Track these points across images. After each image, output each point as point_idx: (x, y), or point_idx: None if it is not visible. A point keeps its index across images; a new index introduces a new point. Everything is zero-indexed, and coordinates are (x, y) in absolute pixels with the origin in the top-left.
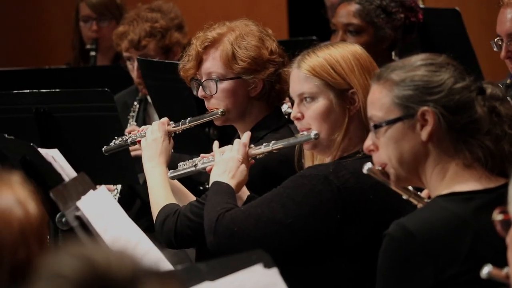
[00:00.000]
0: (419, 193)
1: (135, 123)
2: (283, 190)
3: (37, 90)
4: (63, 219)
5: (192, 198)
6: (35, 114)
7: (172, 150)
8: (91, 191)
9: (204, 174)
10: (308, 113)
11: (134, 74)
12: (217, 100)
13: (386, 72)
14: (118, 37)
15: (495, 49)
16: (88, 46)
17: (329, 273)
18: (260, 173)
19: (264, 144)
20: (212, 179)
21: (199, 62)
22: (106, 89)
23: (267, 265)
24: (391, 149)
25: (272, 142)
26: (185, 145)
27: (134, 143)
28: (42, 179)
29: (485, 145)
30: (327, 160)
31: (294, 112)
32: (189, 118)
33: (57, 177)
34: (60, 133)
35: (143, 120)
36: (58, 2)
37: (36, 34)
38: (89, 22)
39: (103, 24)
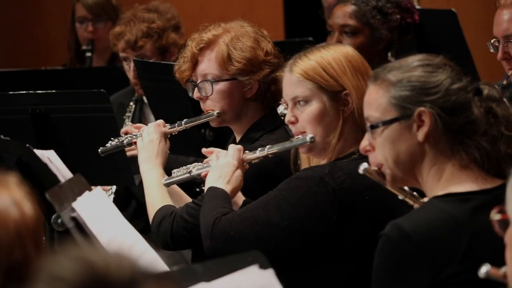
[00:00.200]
0: (414, 193)
1: (131, 124)
2: (279, 192)
3: (33, 91)
4: (59, 220)
5: (188, 199)
6: (31, 115)
7: (168, 152)
8: (87, 192)
9: (198, 178)
10: (302, 116)
11: (130, 74)
12: (212, 102)
13: (383, 72)
14: (114, 37)
15: (491, 51)
16: (84, 47)
17: (325, 274)
18: (256, 176)
19: (259, 149)
20: (207, 185)
21: (195, 63)
22: (102, 90)
23: (263, 266)
24: (388, 150)
25: (267, 146)
26: (181, 147)
27: (130, 144)
28: (38, 180)
29: (482, 146)
30: (323, 162)
31: (288, 116)
32: (185, 120)
33: (53, 178)
34: (56, 134)
35: (139, 120)
36: (56, 3)
37: (34, 35)
38: (85, 23)
39: (99, 25)
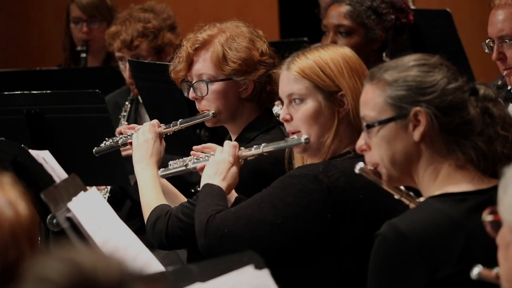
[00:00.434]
0: (410, 193)
1: (126, 123)
2: (273, 190)
3: (28, 92)
4: (54, 221)
5: (183, 199)
6: (26, 115)
7: (164, 152)
8: (82, 192)
9: (195, 175)
10: (297, 115)
11: (126, 74)
12: (208, 102)
13: (379, 72)
14: (110, 37)
15: (486, 51)
16: (79, 48)
17: (320, 273)
18: (252, 176)
19: (254, 146)
20: (203, 181)
21: (190, 63)
22: (97, 90)
23: (258, 266)
24: (384, 149)
25: (263, 144)
26: (176, 147)
27: (125, 144)
28: (33, 180)
29: (478, 146)
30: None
31: (283, 114)
32: (180, 120)
33: (48, 178)
34: (51, 134)
35: (135, 120)
36: (50, 4)
37: (28, 35)
38: (79, 23)
39: (94, 26)
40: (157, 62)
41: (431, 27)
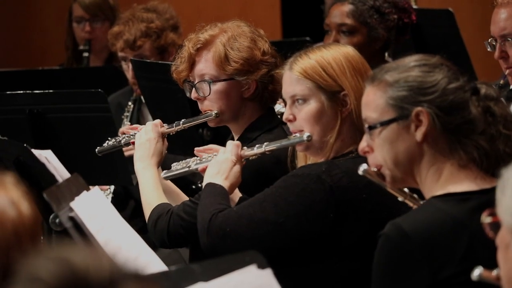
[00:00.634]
0: (414, 195)
1: (129, 123)
2: (276, 189)
3: (30, 91)
4: (57, 220)
5: (185, 197)
6: (29, 115)
7: (166, 151)
8: (85, 192)
9: (197, 175)
10: (300, 115)
11: (129, 74)
12: (210, 102)
13: (380, 73)
14: (113, 37)
15: (489, 50)
16: (81, 47)
17: (323, 273)
18: (255, 175)
19: (257, 145)
20: (205, 181)
21: (192, 64)
22: (99, 90)
23: (261, 266)
24: (386, 150)
25: (265, 143)
26: (179, 146)
27: (127, 144)
28: (36, 180)
29: (480, 145)
30: (320, 161)
31: (286, 114)
32: (182, 120)
33: (51, 178)
34: (54, 134)
35: (137, 120)
36: (52, 4)
37: (30, 35)
38: (82, 23)
39: (96, 25)
40: (160, 62)
41: (433, 26)
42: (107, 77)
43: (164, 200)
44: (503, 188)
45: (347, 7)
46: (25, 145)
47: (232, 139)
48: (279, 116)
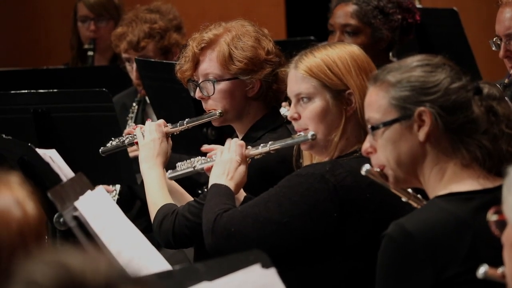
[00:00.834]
0: (418, 195)
1: (133, 125)
2: (280, 189)
3: (35, 91)
4: (61, 219)
5: (190, 198)
6: (33, 114)
7: (171, 151)
8: (89, 191)
9: (203, 175)
10: (305, 113)
11: (133, 75)
12: (214, 101)
13: (382, 74)
14: (116, 38)
15: (493, 49)
16: (86, 46)
17: (327, 272)
18: (259, 174)
19: (261, 144)
20: (211, 181)
21: (196, 63)
22: (103, 89)
23: (265, 265)
24: (389, 151)
25: (270, 142)
26: (183, 146)
27: (131, 144)
28: (40, 179)
29: (483, 144)
30: (325, 160)
31: (291, 113)
32: (187, 119)
33: (55, 177)
34: (58, 133)
35: (142, 121)
36: (57, 3)
37: (35, 34)
38: (87, 22)
39: (101, 24)
40: (164, 61)
41: (437, 26)
42: (112, 76)
43: (169, 200)
44: (509, 186)
45: (351, 8)
46: (29, 144)
47: (236, 138)
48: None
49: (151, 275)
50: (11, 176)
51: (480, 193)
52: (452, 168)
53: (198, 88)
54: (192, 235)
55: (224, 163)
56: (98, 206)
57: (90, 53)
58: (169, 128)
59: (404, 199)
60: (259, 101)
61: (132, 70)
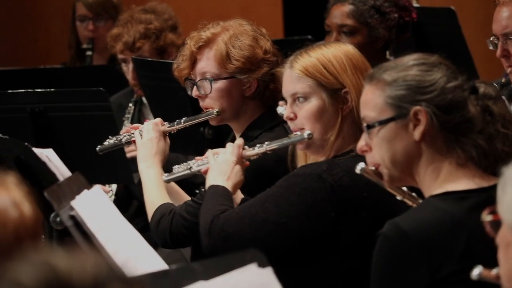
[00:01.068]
0: (413, 194)
1: (130, 125)
2: (277, 189)
3: (32, 90)
4: (58, 219)
5: (187, 198)
6: (30, 113)
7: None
8: (86, 190)
9: (199, 176)
10: (301, 113)
11: (129, 76)
12: (211, 100)
13: (378, 72)
14: (112, 39)
15: (490, 48)
16: (84, 46)
17: (324, 272)
18: (256, 174)
19: (258, 145)
20: (207, 183)
21: (193, 62)
22: (100, 88)
23: (261, 265)
24: (384, 149)
25: (266, 143)
26: (180, 145)
27: (128, 142)
28: (37, 178)
29: (478, 144)
30: (321, 160)
31: (287, 112)
32: (184, 118)
33: (52, 176)
34: (55, 132)
35: (138, 121)
36: (55, 2)
37: (33, 34)
38: (85, 21)
39: (100, 24)
40: (161, 60)
41: (435, 25)
42: (110, 76)
43: (167, 200)
44: (504, 186)
45: (348, 8)
46: (26, 143)
47: (233, 137)
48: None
49: (147, 274)
50: (8, 176)
51: (475, 192)
52: (447, 167)
53: (195, 86)
54: (189, 234)
55: (221, 164)
56: (95, 206)
57: (89, 52)
58: (167, 127)
59: (399, 197)
60: (256, 100)
61: (128, 70)
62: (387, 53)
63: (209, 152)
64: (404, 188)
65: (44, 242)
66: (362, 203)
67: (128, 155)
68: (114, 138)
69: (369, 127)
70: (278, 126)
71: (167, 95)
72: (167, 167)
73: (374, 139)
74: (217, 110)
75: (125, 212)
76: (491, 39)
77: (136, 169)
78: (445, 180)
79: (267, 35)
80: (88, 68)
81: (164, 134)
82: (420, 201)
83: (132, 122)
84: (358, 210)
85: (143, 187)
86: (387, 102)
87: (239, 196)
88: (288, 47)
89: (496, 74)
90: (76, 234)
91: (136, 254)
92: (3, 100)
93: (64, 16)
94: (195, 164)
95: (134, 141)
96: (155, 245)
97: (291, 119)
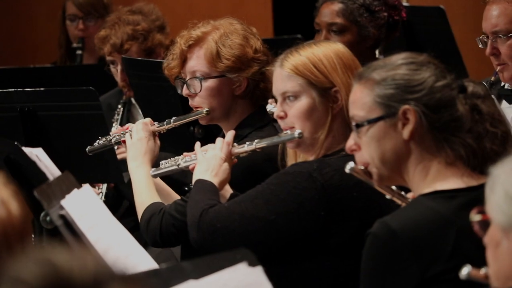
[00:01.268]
0: (402, 192)
1: (119, 127)
2: (267, 186)
3: (21, 89)
4: (48, 218)
5: (177, 197)
6: (20, 113)
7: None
8: (76, 190)
9: (189, 175)
10: (291, 111)
11: (118, 77)
12: (201, 99)
13: (367, 71)
14: (100, 41)
15: (480, 46)
16: (75, 45)
17: (313, 271)
18: (245, 172)
19: (247, 142)
20: (195, 178)
21: (184, 60)
22: (90, 87)
23: (252, 264)
24: (373, 148)
25: (256, 140)
26: (170, 144)
27: (118, 142)
28: (27, 178)
29: (467, 143)
30: (311, 158)
31: (277, 111)
32: (173, 118)
33: (42, 176)
34: (45, 132)
35: (128, 122)
36: (44, 1)
37: (22, 33)
38: (75, 20)
39: (90, 23)
40: (151, 60)
41: (424, 24)
42: (100, 75)
43: (156, 198)
44: (492, 186)
45: (337, 6)
46: (16, 143)
47: (223, 137)
48: (270, 115)
49: (138, 273)
50: None
51: (464, 191)
52: (436, 166)
53: (185, 85)
54: (179, 233)
55: (209, 160)
56: (85, 205)
57: (79, 52)
58: (156, 126)
59: (388, 196)
60: (246, 100)
61: (116, 72)
62: (377, 52)
63: (197, 146)
64: (393, 187)
65: (34, 241)
66: (352, 203)
67: (119, 156)
68: (104, 139)
69: (358, 126)
70: (268, 125)
71: (157, 94)
72: (156, 166)
73: (363, 138)
74: (206, 109)
75: (115, 212)
76: (481, 37)
77: (126, 169)
78: (434, 179)
79: (257, 34)
80: (78, 68)
81: (154, 134)
82: (409, 200)
83: (121, 123)
84: (348, 209)
85: (133, 187)
86: (376, 101)
87: (228, 191)
88: (278, 46)
89: (486, 72)
90: (66, 233)
91: (126, 254)
92: None
93: (52, 16)
94: (183, 160)
95: (123, 141)
96: (145, 244)
97: (281, 117)
